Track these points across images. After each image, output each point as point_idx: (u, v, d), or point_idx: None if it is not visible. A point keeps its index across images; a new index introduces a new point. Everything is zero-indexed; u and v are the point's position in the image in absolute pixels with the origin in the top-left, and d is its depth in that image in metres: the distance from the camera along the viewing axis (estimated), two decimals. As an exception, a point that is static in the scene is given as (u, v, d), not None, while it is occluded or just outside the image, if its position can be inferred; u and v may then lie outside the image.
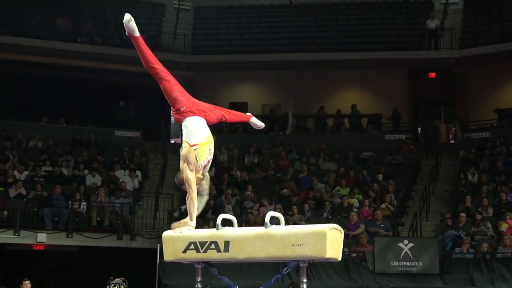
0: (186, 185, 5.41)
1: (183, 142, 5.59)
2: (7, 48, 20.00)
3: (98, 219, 15.79)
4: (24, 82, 21.71)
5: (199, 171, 5.50)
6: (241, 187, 17.34)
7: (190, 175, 5.41)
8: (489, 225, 14.49)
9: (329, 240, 4.96)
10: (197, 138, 5.52)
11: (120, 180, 17.34)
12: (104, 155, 19.01)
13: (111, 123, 21.23)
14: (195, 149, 5.49)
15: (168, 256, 5.61)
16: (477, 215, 14.69)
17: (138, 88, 22.96)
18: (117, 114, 21.50)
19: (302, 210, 15.78)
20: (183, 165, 5.46)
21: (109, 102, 21.81)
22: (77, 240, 15.49)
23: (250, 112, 23.21)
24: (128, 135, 20.57)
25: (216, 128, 22.04)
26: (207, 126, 5.66)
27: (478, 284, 12.99)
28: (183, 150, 5.52)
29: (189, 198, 5.44)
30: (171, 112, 5.62)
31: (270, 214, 5.31)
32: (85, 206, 15.89)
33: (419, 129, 23.49)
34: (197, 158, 5.47)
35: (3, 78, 21.28)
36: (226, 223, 5.52)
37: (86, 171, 17.64)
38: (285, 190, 16.64)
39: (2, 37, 20.10)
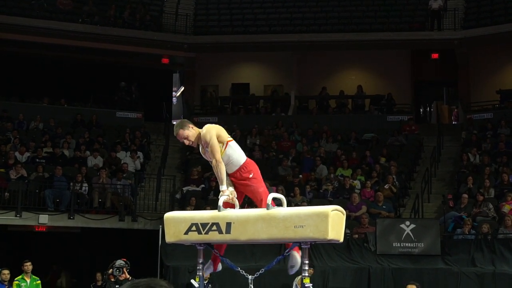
0: (211, 151, 5.53)
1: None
2: (7, 28, 19.91)
3: (100, 200, 15.81)
4: (25, 62, 21.66)
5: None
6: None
7: (215, 143, 5.55)
8: (490, 206, 14.50)
9: (331, 221, 4.96)
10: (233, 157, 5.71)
11: (122, 162, 17.34)
12: (105, 136, 19.00)
13: (112, 104, 21.19)
14: (229, 141, 5.67)
15: (170, 238, 5.61)
16: (478, 196, 14.70)
17: (140, 69, 22.94)
18: (119, 95, 21.45)
19: (304, 192, 15.79)
20: (212, 131, 5.56)
21: (111, 83, 21.76)
22: (79, 221, 15.53)
23: (252, 93, 23.17)
24: (129, 116, 20.53)
25: (220, 110, 22.15)
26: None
27: (479, 264, 13.01)
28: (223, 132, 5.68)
29: (214, 165, 5.55)
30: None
31: (272, 195, 5.30)
32: (87, 188, 15.90)
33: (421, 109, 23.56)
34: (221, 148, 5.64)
35: (3, 59, 21.21)
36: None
37: (88, 153, 17.63)
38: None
39: (2, 16, 20.00)
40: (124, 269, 10.24)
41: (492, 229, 13.70)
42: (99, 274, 12.70)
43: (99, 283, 12.37)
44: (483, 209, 14.46)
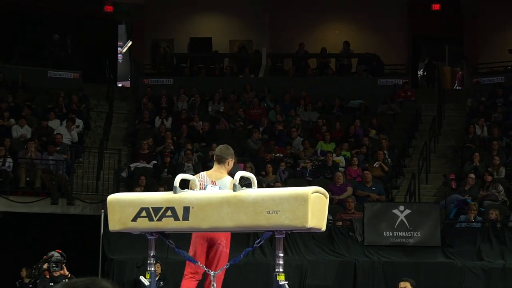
0: None
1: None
2: None
3: (28, 179, 15.67)
4: None
5: None
6: (203, 141, 17.29)
7: None
8: (500, 188, 14.66)
9: (311, 206, 4.94)
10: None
11: (55, 132, 17.19)
12: (34, 101, 18.80)
13: (43, 61, 20.96)
14: None
15: (114, 225, 5.57)
16: (486, 176, 14.84)
17: (77, 19, 22.63)
18: (51, 50, 21.20)
19: (277, 170, 15.80)
20: None
21: (41, 35, 21.49)
22: (1, 204, 15.37)
23: (215, 50, 23.13)
24: (64, 76, 20.36)
25: (175, 70, 22.01)
26: None
27: (487, 258, 13.18)
28: None
29: None
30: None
31: (239, 174, 5.26)
32: (11, 164, 15.74)
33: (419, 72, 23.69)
34: None
35: None
36: (186, 185, 5.48)
37: (13, 120, 17.44)
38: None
39: None
40: (62, 264, 10.22)
41: (502, 215, 13.87)
42: (24, 270, 12.58)
43: (27, 281, 12.26)
44: (491, 191, 14.62)
